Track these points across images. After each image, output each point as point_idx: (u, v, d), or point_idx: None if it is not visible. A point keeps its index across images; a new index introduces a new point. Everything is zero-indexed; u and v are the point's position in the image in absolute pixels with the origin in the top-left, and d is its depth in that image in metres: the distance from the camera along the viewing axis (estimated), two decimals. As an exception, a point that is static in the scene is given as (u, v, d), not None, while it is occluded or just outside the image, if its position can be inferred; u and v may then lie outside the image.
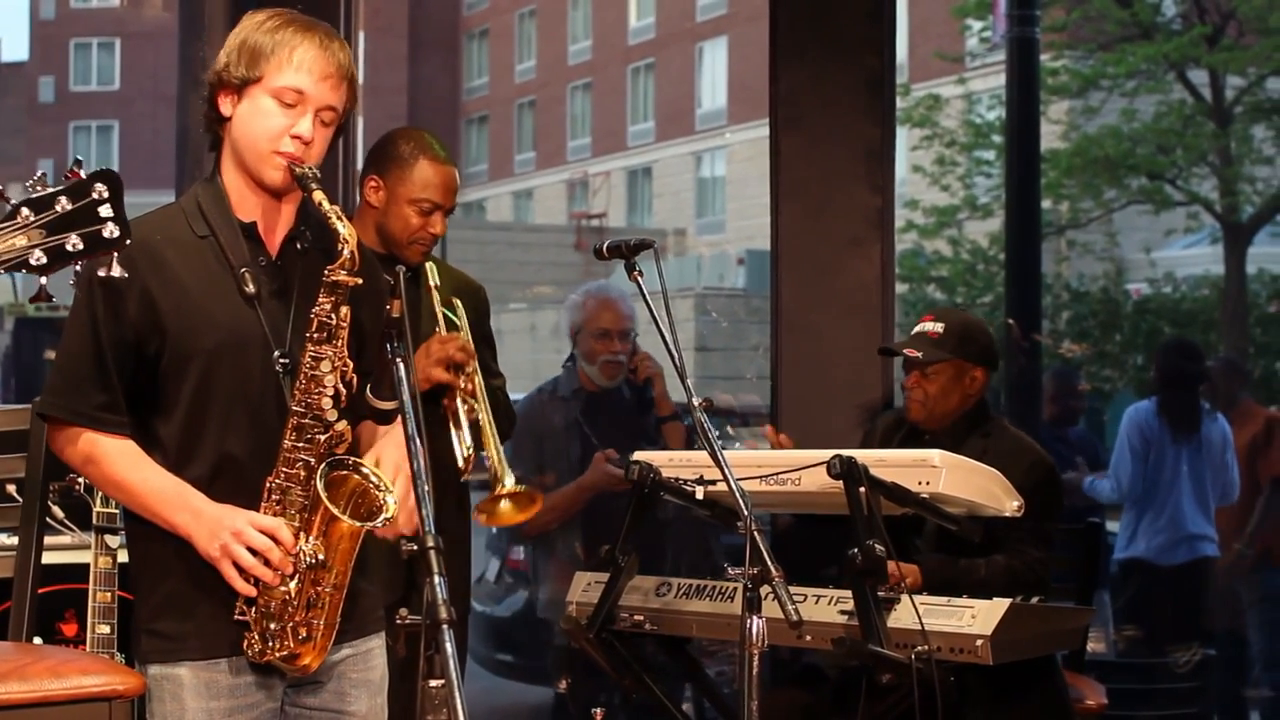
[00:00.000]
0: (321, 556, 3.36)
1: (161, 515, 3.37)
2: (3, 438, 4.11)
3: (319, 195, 3.40)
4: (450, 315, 4.85)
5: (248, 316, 3.42)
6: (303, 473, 3.39)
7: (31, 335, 25.85)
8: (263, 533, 3.33)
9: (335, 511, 3.33)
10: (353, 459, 3.42)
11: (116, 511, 4.29)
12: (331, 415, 3.41)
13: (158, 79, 47.59)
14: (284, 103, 3.43)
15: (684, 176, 46.00)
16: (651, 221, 45.68)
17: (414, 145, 4.76)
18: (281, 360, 3.42)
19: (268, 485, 3.39)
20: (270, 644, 3.36)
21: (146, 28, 51.61)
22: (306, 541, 3.36)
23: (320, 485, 3.33)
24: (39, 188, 2.81)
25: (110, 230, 2.83)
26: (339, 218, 3.38)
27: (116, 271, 2.90)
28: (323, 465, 3.36)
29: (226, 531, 3.32)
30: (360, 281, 3.40)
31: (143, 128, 51.29)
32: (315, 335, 3.39)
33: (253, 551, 3.32)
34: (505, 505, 4.78)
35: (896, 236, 6.82)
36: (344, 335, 3.40)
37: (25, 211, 2.80)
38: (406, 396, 3.27)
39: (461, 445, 4.71)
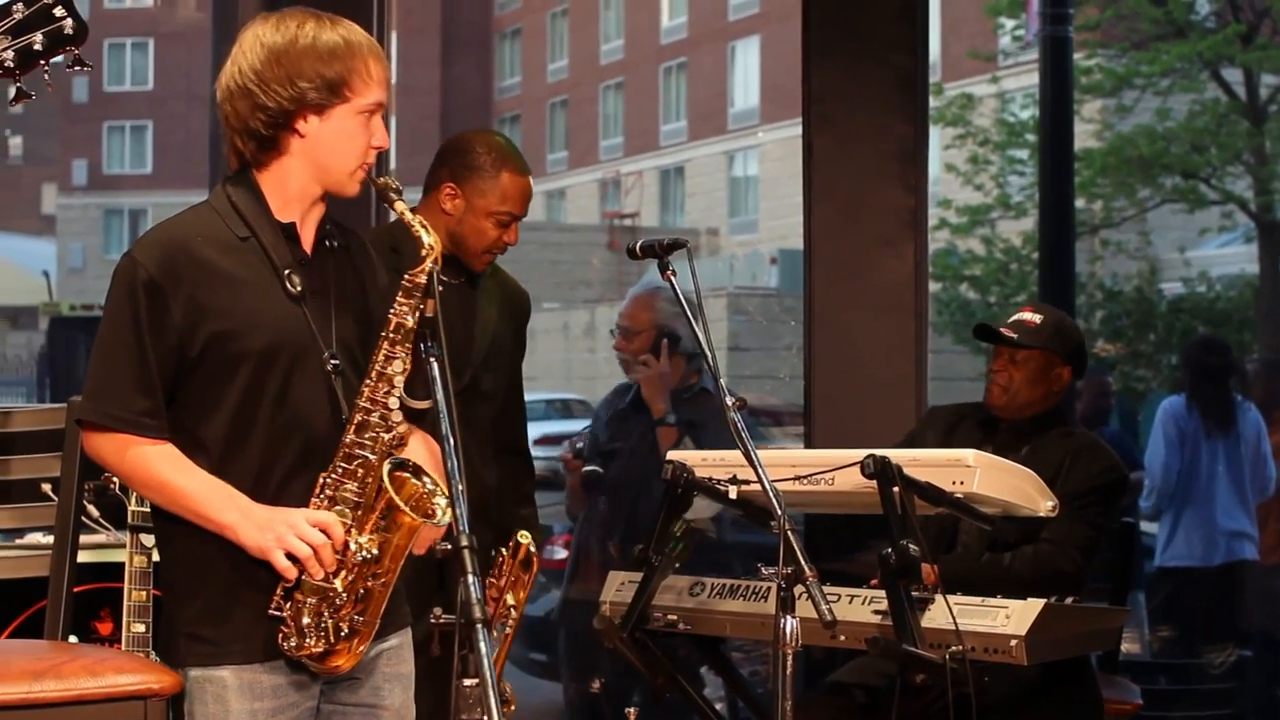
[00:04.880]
0: (375, 552, 3.37)
1: (207, 515, 3.36)
2: (38, 437, 4.12)
3: (401, 205, 3.49)
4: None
5: (295, 317, 3.43)
6: (360, 470, 3.40)
7: (66, 335, 25.96)
8: (315, 527, 3.34)
9: (401, 503, 3.32)
10: (414, 462, 3.43)
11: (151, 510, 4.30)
12: (396, 416, 3.43)
13: (191, 79, 47.70)
14: (367, 117, 3.48)
15: (716, 176, 45.97)
16: (684, 221, 45.67)
17: (496, 156, 4.67)
18: (332, 361, 3.45)
19: (321, 480, 3.40)
20: (307, 639, 3.37)
21: (180, 28, 51.75)
22: (362, 536, 3.37)
23: (387, 480, 3.34)
24: None
25: (69, 27, 3.07)
26: (425, 228, 3.44)
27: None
28: (387, 462, 3.37)
29: (281, 524, 3.33)
30: (441, 289, 3.44)
31: (176, 127, 51.42)
32: (392, 336, 3.42)
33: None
34: None
35: (929, 235, 6.82)
36: (413, 338, 3.44)
37: None
38: (440, 396, 3.28)
39: None
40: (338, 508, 3.39)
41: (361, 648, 3.42)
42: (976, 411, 5.42)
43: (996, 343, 5.31)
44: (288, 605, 3.37)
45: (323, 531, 3.34)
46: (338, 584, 3.36)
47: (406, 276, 3.43)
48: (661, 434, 6.72)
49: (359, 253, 3.66)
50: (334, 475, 3.40)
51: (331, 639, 3.38)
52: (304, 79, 3.42)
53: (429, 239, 3.42)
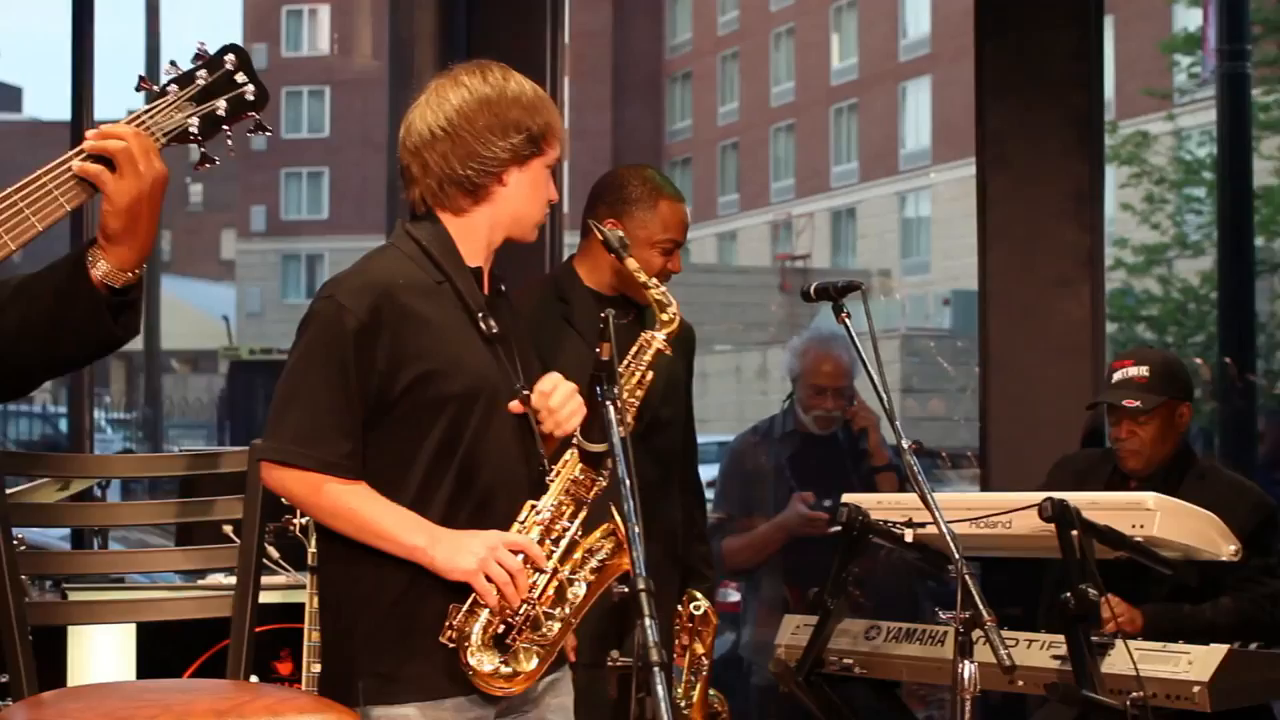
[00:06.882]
0: (586, 588, 3.44)
1: (396, 538, 3.36)
2: (221, 479, 4.17)
3: (633, 263, 3.90)
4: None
5: (490, 360, 3.48)
6: (571, 506, 3.46)
7: (245, 378, 26.41)
8: (514, 550, 3.37)
9: (628, 547, 3.33)
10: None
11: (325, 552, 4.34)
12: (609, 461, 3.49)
13: (367, 126, 48.26)
14: (549, 171, 3.60)
15: (888, 217, 45.80)
16: (856, 262, 45.50)
17: (649, 187, 4.75)
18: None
19: (530, 504, 3.45)
20: (493, 658, 3.38)
21: (356, 76, 52.39)
22: (575, 572, 3.44)
23: (619, 520, 3.37)
24: (175, 70, 3.14)
25: (251, 93, 3.20)
26: (660, 291, 3.87)
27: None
28: (615, 507, 3.39)
29: (481, 546, 3.35)
30: (670, 351, 3.82)
31: (352, 174, 52.10)
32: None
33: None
34: None
35: (1105, 275, 6.74)
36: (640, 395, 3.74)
37: (173, 88, 3.13)
38: (616, 439, 3.29)
39: None
40: (535, 533, 3.43)
41: (539, 674, 3.44)
42: (1105, 461, 5.32)
43: (1119, 414, 5.19)
44: (468, 625, 3.38)
45: (522, 553, 3.38)
46: (540, 610, 3.40)
47: (647, 336, 3.78)
48: (882, 480, 6.67)
49: (510, 297, 3.74)
50: (548, 507, 3.46)
51: (521, 662, 3.40)
52: (516, 130, 3.51)
53: (673, 304, 3.83)
